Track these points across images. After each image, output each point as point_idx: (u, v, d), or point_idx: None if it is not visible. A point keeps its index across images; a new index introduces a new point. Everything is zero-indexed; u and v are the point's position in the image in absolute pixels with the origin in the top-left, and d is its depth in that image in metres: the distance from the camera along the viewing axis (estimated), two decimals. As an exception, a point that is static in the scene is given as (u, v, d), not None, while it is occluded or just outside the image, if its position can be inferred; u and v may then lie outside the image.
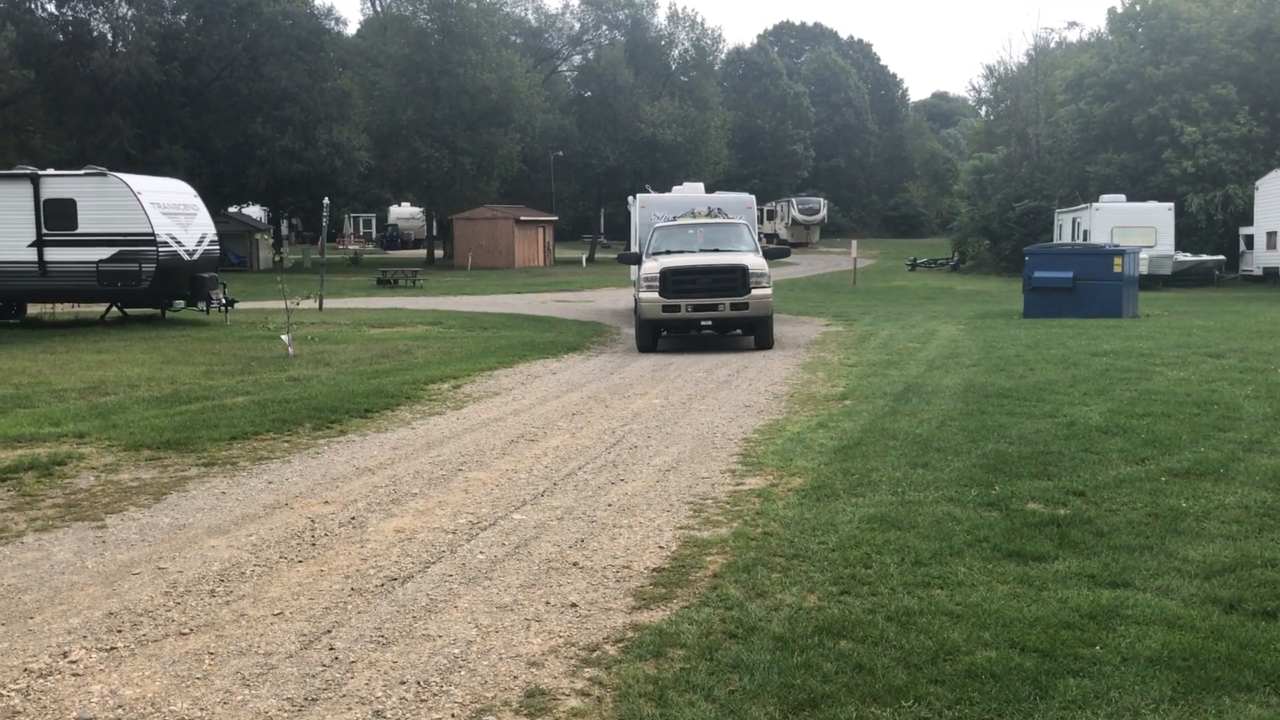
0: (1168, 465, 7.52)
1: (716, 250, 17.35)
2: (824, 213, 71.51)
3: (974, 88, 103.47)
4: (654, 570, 5.50)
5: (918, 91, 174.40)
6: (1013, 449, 8.11)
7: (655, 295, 16.12)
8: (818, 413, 10.24)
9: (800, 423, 9.70)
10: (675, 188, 23.32)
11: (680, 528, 6.29)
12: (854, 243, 42.39)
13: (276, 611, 5.01)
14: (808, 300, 29.05)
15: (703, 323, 16.43)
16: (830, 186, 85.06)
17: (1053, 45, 60.81)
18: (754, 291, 16.04)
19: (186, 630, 4.79)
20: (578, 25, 73.98)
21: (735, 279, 16.07)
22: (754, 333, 16.82)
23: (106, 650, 4.58)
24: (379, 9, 68.53)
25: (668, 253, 17.24)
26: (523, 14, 72.45)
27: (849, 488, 7.05)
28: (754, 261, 16.54)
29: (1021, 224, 43.72)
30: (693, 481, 7.51)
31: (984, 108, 71.68)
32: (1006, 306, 25.45)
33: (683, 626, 4.63)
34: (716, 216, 19.04)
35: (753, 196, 21.98)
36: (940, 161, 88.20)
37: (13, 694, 4.15)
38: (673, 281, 16.08)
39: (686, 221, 18.69)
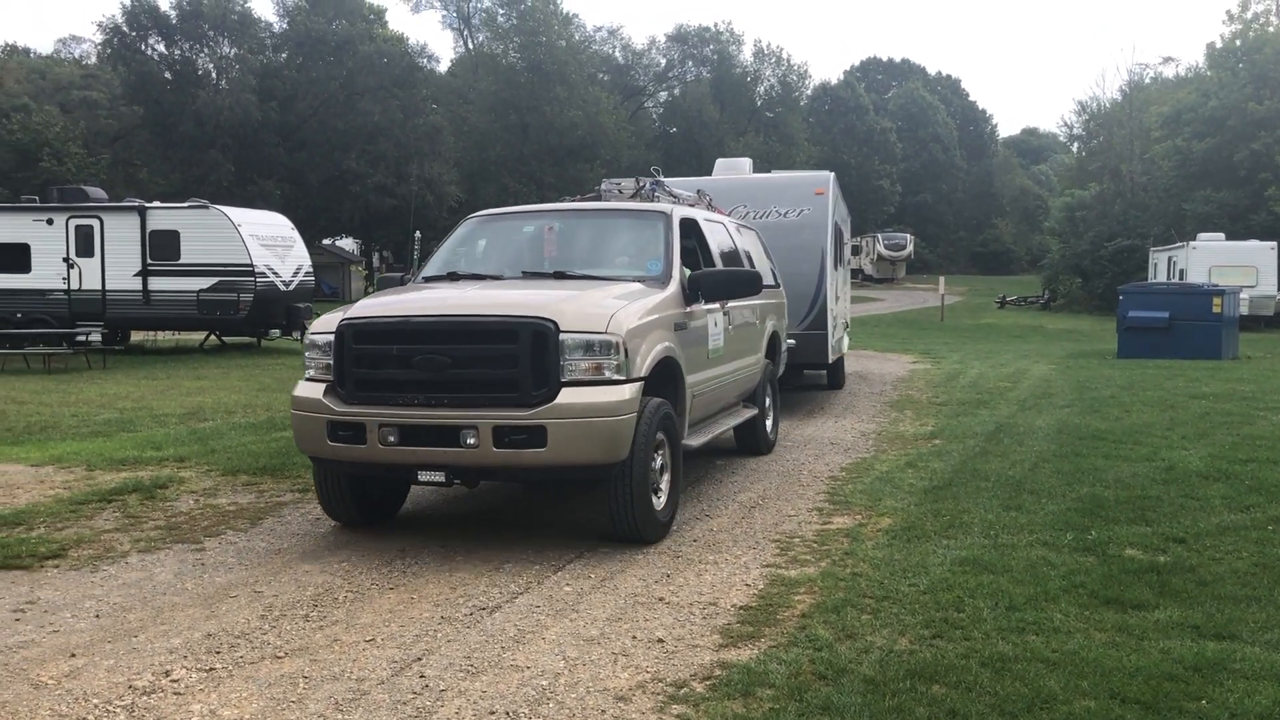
0: (1275, 513, 7.26)
1: (556, 277, 7.65)
2: (910, 248, 70.87)
3: (1065, 123, 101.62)
4: (741, 608, 5.46)
5: (1007, 127, 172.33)
6: (1109, 493, 7.91)
7: (316, 392, 6.70)
8: (906, 452, 10.11)
9: (888, 461, 9.58)
10: (718, 164, 15.40)
11: (767, 565, 6.24)
12: (941, 279, 41.88)
13: (369, 637, 5.09)
14: (894, 337, 28.73)
15: (423, 474, 6.47)
16: (917, 222, 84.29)
17: (1148, 80, 59.64)
18: (581, 395, 6.26)
19: (281, 654, 4.89)
20: (664, 62, 74.75)
21: (513, 358, 6.30)
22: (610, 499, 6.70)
23: (206, 671, 4.69)
24: (470, 47, 70.00)
25: (452, 279, 7.85)
26: (610, 52, 73.39)
27: (940, 529, 6.93)
28: (601, 308, 6.58)
29: (1115, 262, 42.80)
30: (778, 519, 7.46)
31: (1076, 144, 70.53)
32: (1099, 346, 24.86)
33: (771, 666, 4.59)
34: (705, 202, 10.19)
35: (830, 175, 14.10)
36: (1030, 198, 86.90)
37: (119, 710, 4.28)
38: (361, 357, 6.58)
39: (550, 207, 9.16)
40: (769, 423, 10.24)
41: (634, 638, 5.06)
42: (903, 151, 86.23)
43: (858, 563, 6.18)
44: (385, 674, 4.63)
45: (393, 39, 58.63)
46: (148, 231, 22.20)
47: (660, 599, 5.65)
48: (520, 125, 57.58)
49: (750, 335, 9.50)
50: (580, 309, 6.47)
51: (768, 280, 10.41)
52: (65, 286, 22.37)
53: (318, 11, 57.44)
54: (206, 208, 22.50)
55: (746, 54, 76.01)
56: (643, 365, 6.54)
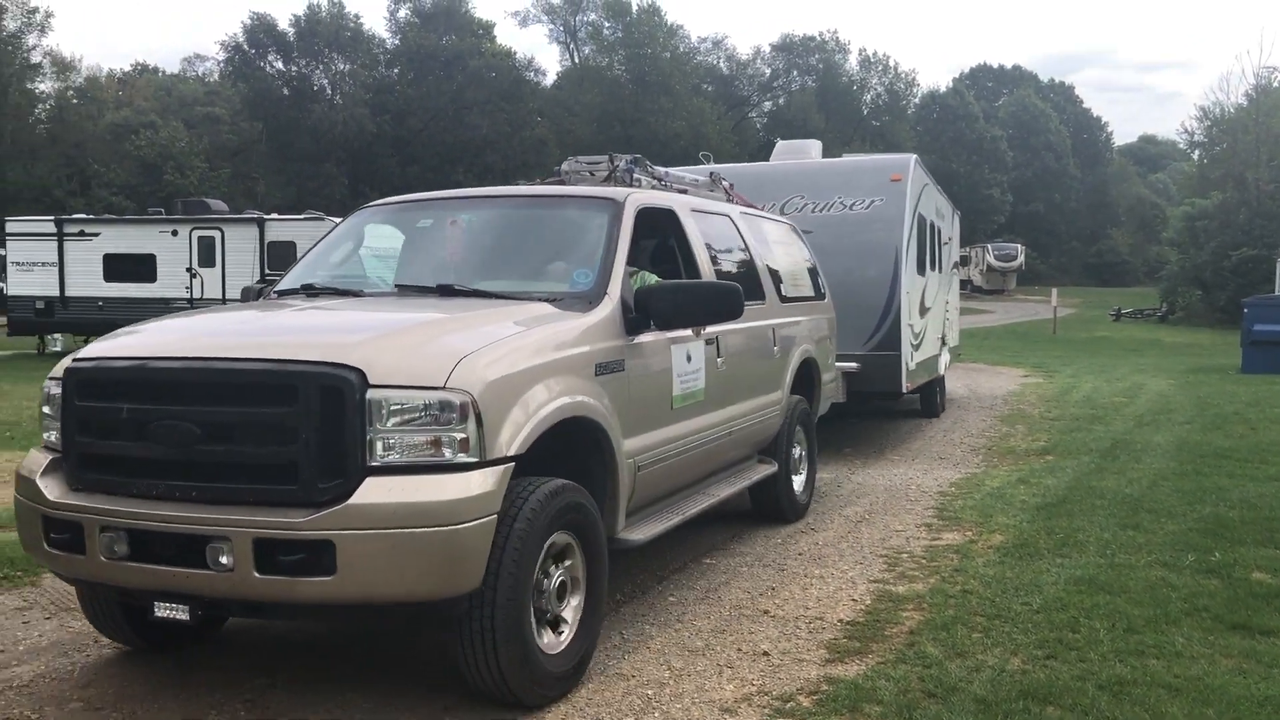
0: None
1: (439, 292, 5.33)
2: (1021, 259, 69.17)
3: (1185, 130, 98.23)
4: (847, 623, 5.40)
5: (1123, 134, 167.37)
6: (1234, 513, 7.60)
7: (38, 467, 4.46)
8: (1018, 467, 9.87)
9: (999, 477, 9.36)
10: (778, 147, 12.97)
11: (874, 581, 6.16)
12: (1054, 291, 40.82)
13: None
14: (1004, 350, 28.09)
15: (160, 608, 4.12)
16: (1028, 232, 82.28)
17: (1276, 85, 57.27)
18: (397, 489, 3.90)
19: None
20: (768, 72, 74.53)
21: (288, 428, 3.94)
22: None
23: (320, 671, 4.74)
24: (576, 60, 70.79)
25: (306, 293, 5.79)
26: (714, 63, 73.44)
27: (1053, 547, 6.75)
28: (445, 348, 4.22)
29: (1238, 273, 41.11)
30: (886, 534, 7.35)
31: (1197, 151, 68.08)
32: (1221, 360, 23.93)
33: (879, 682, 4.52)
34: (710, 191, 7.99)
35: (912, 158, 11.58)
36: (1147, 207, 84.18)
37: None
38: (84, 419, 4.33)
39: (463, 194, 6.61)
40: (798, 480, 7.91)
41: (739, 650, 5.04)
42: (1013, 160, 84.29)
43: (968, 580, 6.06)
44: (493, 679, 4.68)
45: (501, 53, 59.64)
46: (266, 242, 22.99)
47: (765, 612, 5.61)
48: (624, 137, 57.98)
49: (762, 368, 7.12)
50: (406, 350, 4.14)
51: (801, 290, 8.28)
52: (189, 295, 23.26)
53: (429, 27, 58.81)
54: (322, 219, 23.18)
55: (853, 62, 75.38)
56: (517, 436, 4.14)
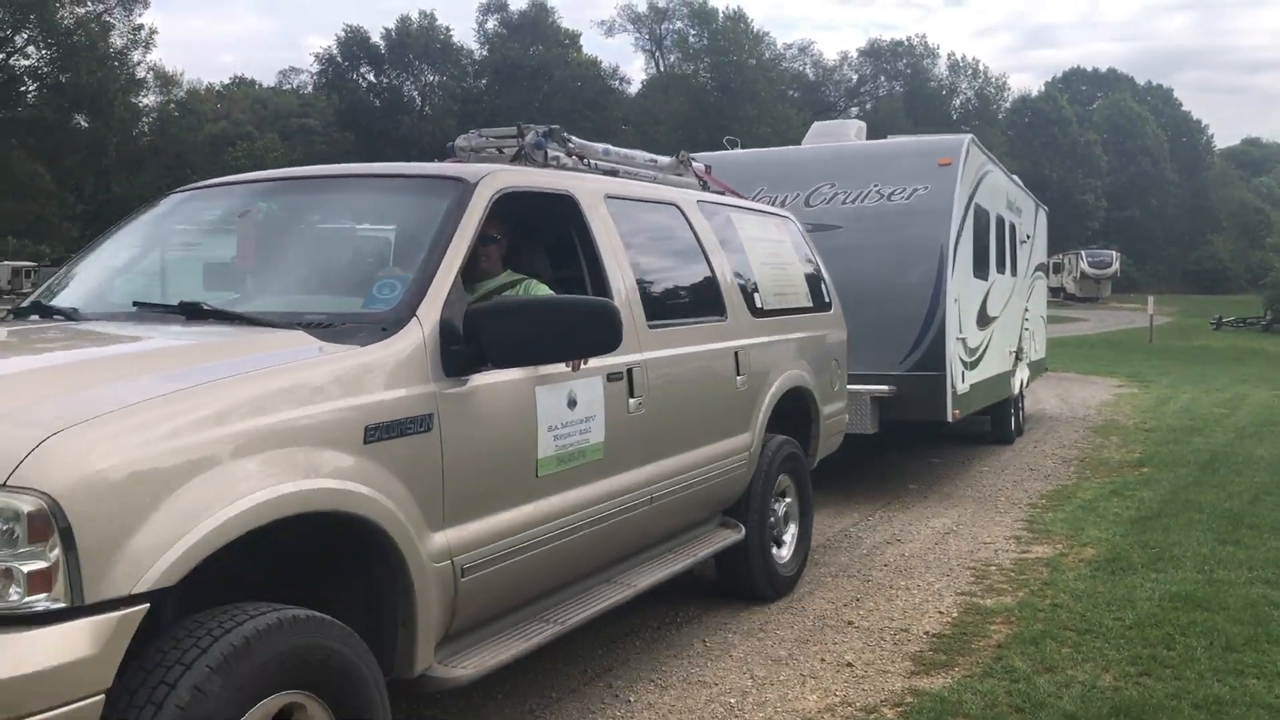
0: None
1: (183, 313, 3.72)
2: (1116, 266, 67.51)
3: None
4: (933, 635, 5.33)
5: (1225, 138, 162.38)
6: (1341, 530, 7.33)
7: None
8: (1111, 479, 9.63)
9: (1092, 489, 9.15)
10: (812, 129, 11.20)
11: (961, 593, 6.07)
12: (1150, 298, 39.74)
13: (560, 651, 5.21)
14: (1098, 359, 27.42)
15: None
16: (1123, 239, 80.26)
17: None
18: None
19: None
20: (855, 77, 74.01)
21: None
22: None
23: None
24: (661, 69, 71.02)
25: (36, 313, 4.20)
26: (800, 69, 73.14)
27: (1148, 561, 6.58)
28: (28, 419, 2.54)
29: (1348, 280, 39.59)
30: (974, 546, 7.24)
31: (1304, 153, 65.70)
32: (1330, 371, 23.04)
33: (965, 696, 4.46)
34: (676, 176, 6.27)
35: (966, 139, 9.61)
36: (1251, 212, 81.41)
37: None
38: None
39: (278, 175, 4.86)
40: (785, 545, 6.20)
41: (822, 660, 5.01)
42: (1108, 165, 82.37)
43: (1058, 593, 5.94)
44: (576, 684, 4.74)
45: (586, 63, 60.16)
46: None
47: (849, 623, 5.57)
48: (709, 144, 58.04)
49: (716, 405, 5.36)
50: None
51: (791, 300, 6.49)
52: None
53: (516, 38, 59.58)
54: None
55: (942, 67, 74.46)
56: (155, 562, 2.54)
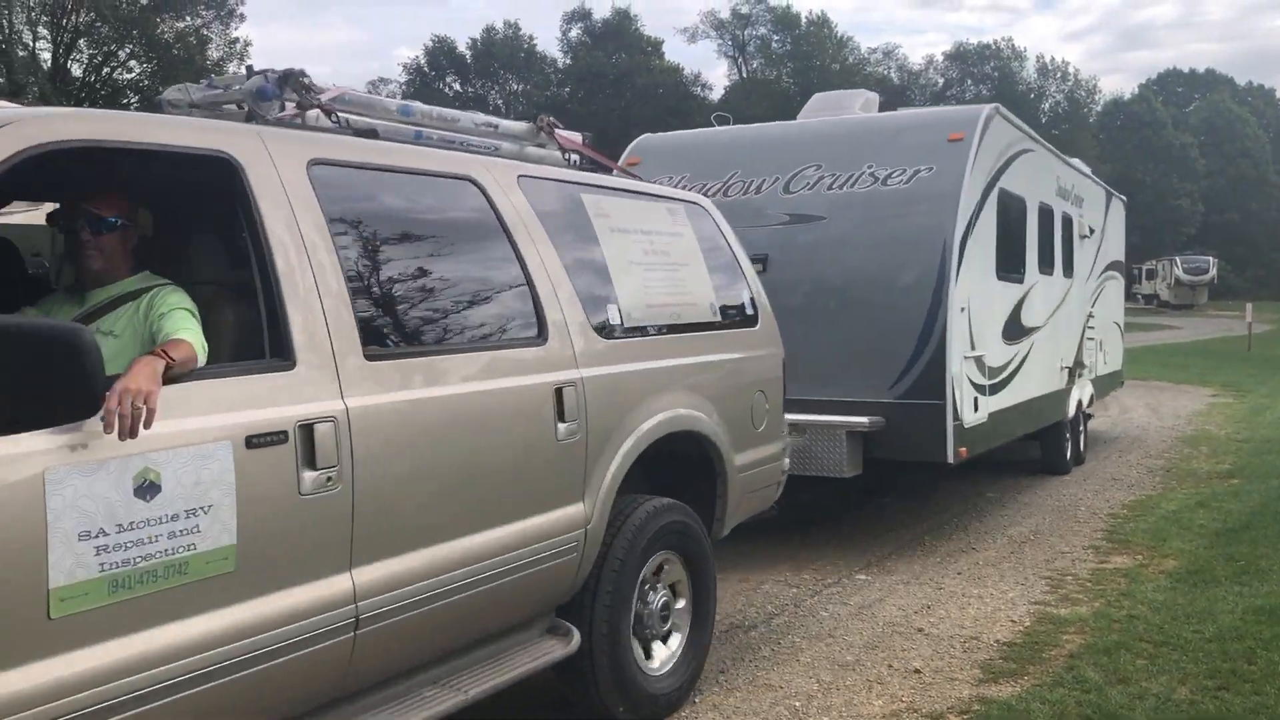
0: None
1: None
2: (1213, 272, 65.46)
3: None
4: (1004, 644, 5.28)
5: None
6: None
7: None
8: (1198, 490, 9.39)
9: (1177, 500, 8.93)
10: (812, 101, 9.46)
11: (1035, 603, 5.99)
12: (1249, 305, 38.48)
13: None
14: (1191, 368, 26.66)
15: None
16: (1221, 244, 77.72)
17: None
18: None
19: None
20: (941, 81, 73.04)
21: None
22: None
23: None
24: (745, 74, 70.94)
25: None
26: (885, 73, 72.40)
27: (1232, 574, 6.41)
28: None
29: None
30: (1051, 555, 7.13)
31: None
32: None
33: (1033, 705, 4.41)
34: (532, 145, 4.81)
35: (985, 110, 7.82)
36: (1358, 216, 78.39)
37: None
38: None
39: None
40: (662, 649, 4.53)
41: (890, 666, 5.00)
42: (1205, 168, 79.92)
43: (1135, 604, 5.82)
44: (643, 683, 4.79)
45: (669, 69, 60.36)
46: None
47: (919, 630, 5.54)
48: (792, 150, 58.00)
49: (514, 468, 3.74)
50: None
51: (688, 314, 4.86)
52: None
53: (600, 46, 60.03)
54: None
55: (1030, 70, 73.10)
56: None
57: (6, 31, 41.71)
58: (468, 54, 59.77)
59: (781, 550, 7.27)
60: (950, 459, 7.05)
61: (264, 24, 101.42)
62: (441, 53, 59.64)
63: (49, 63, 44.15)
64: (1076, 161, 11.34)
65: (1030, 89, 70.54)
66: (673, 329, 4.72)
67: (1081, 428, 11.12)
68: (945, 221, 7.20)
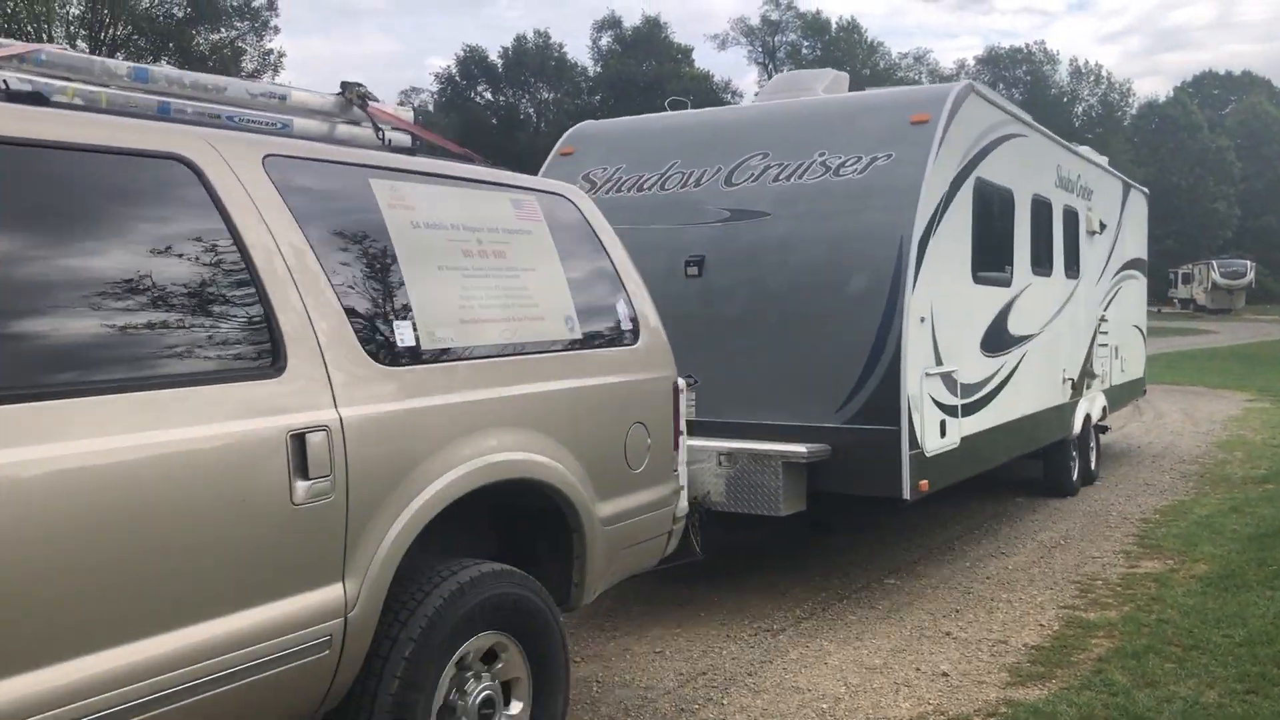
0: None
1: None
2: (1251, 276, 64.63)
3: None
4: (1032, 647, 5.29)
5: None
6: None
7: None
8: (1232, 495, 9.32)
9: (1210, 505, 8.88)
10: (772, 81, 8.96)
11: (1064, 607, 5.99)
12: (1286, 310, 37.98)
13: (657, 649, 5.34)
14: (1228, 373, 26.37)
15: None
16: (1259, 247, 76.74)
17: None
18: None
19: (578, 659, 5.22)
20: (973, 86, 72.66)
21: None
22: None
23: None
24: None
25: None
26: (916, 78, 72.10)
27: (1264, 579, 6.38)
28: None
29: None
30: (1081, 560, 7.12)
31: None
32: None
33: (1060, 708, 4.43)
34: (338, 119, 3.96)
35: (957, 88, 6.77)
36: (1400, 218, 77.17)
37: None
38: None
39: None
40: None
41: (918, 669, 5.02)
42: (1242, 171, 78.99)
43: (1165, 609, 5.82)
44: (671, 684, 4.85)
45: (699, 77, 60.40)
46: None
47: (947, 633, 5.56)
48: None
49: (208, 548, 2.66)
50: None
51: (525, 332, 3.82)
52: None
53: (630, 54, 60.21)
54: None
55: (1062, 73, 72.61)
56: None
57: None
58: (499, 63, 60.15)
59: (810, 555, 7.31)
60: (906, 494, 5.97)
61: (297, 35, 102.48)
62: (473, 62, 60.03)
63: (88, 75, 44.85)
64: (1085, 149, 10.40)
65: (1063, 93, 70.04)
66: (505, 351, 3.70)
67: (1092, 444, 10.10)
68: (903, 217, 6.16)
